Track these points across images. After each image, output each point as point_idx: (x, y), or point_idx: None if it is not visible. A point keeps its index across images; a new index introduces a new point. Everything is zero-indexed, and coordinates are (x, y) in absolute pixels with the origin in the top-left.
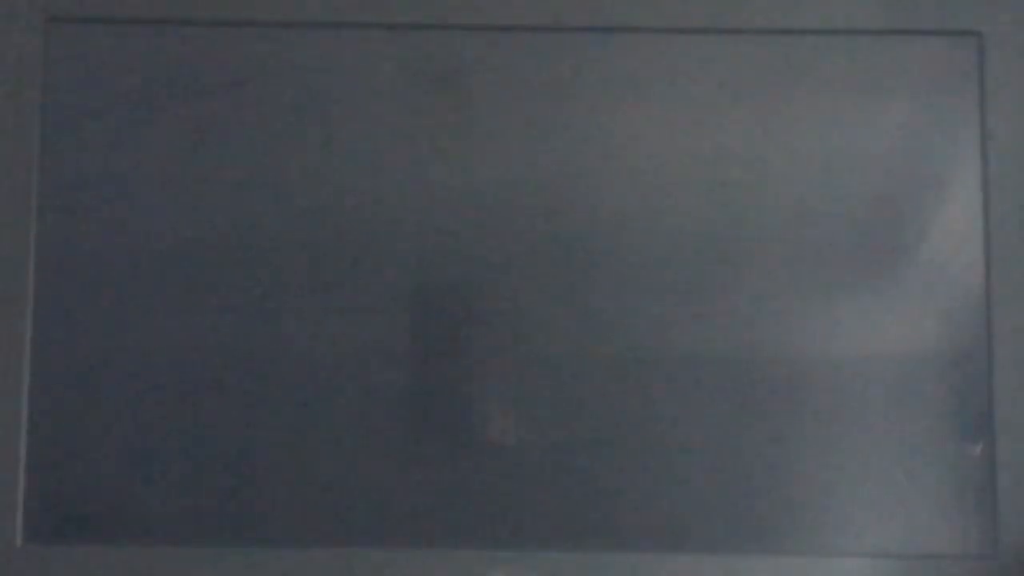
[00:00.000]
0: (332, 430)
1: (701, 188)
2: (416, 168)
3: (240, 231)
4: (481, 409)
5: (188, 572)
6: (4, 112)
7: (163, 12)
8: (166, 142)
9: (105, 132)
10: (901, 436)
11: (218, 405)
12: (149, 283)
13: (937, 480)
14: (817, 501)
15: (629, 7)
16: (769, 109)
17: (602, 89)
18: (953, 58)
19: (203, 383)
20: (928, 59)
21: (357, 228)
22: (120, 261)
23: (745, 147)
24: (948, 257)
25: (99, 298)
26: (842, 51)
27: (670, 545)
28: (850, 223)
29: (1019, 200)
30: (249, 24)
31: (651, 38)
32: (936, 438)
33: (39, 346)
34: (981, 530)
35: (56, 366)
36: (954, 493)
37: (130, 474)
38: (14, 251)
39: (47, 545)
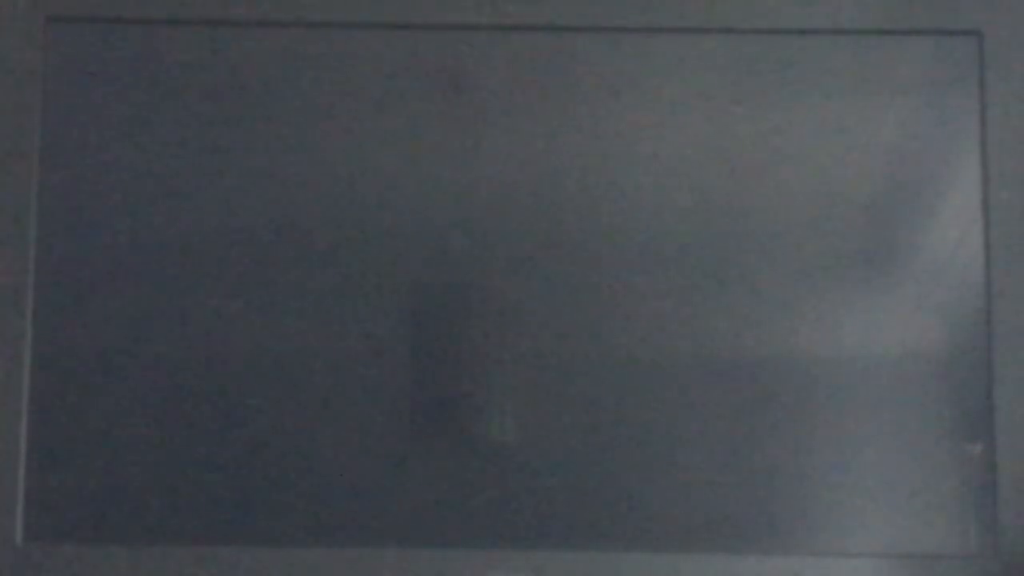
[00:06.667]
0: (332, 430)
1: (701, 187)
2: (417, 167)
3: (240, 231)
4: (481, 408)
5: (188, 572)
6: (4, 112)
7: (163, 12)
8: (166, 142)
9: (105, 132)
10: (901, 436)
11: (218, 404)
12: (149, 282)
13: (937, 480)
14: (817, 501)
15: (629, 7)
16: (769, 109)
17: (602, 89)
18: (953, 58)
19: (203, 382)
20: (928, 59)
21: (358, 227)
22: (120, 261)
23: (745, 147)
24: (948, 257)
25: (99, 298)
26: (842, 51)
27: (670, 545)
28: (850, 223)
29: (1019, 200)
30: (249, 24)
31: (651, 38)
32: (936, 438)
33: (39, 345)
34: (981, 530)
35: (56, 365)
36: (954, 493)
37: (130, 473)
38: (14, 251)
39: (47, 544)
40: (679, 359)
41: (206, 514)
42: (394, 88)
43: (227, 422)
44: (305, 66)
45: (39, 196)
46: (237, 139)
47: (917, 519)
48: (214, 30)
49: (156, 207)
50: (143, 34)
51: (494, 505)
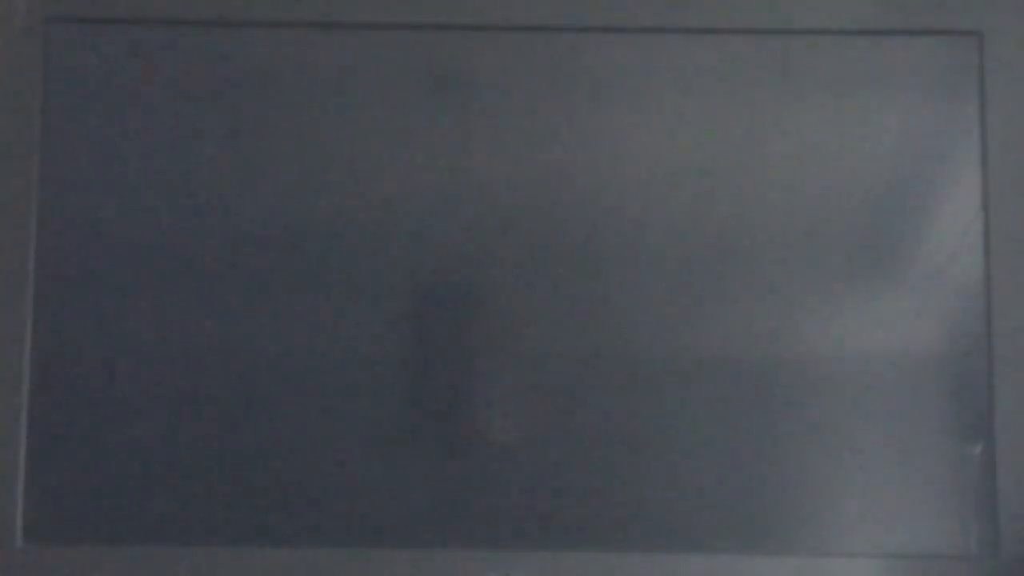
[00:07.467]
0: (332, 430)
1: (701, 188)
2: (416, 168)
3: (239, 231)
4: (481, 409)
5: (188, 572)
6: (4, 112)
7: (163, 12)
8: (165, 142)
9: (105, 132)
10: (901, 436)
11: (218, 405)
12: (149, 283)
13: (937, 480)
14: (817, 501)
15: (629, 7)
16: (769, 109)
17: (602, 89)
18: (953, 58)
19: (203, 383)
20: (928, 59)
21: (357, 228)
22: (120, 261)
23: (745, 147)
24: (948, 257)
25: (99, 298)
26: (843, 51)
27: (670, 545)
28: (850, 222)
29: (1019, 200)
30: (249, 24)
31: (651, 38)
32: (936, 438)
33: (39, 346)
34: (981, 530)
35: (56, 366)
36: (954, 493)
37: (130, 474)
38: (14, 251)
39: (47, 545)
40: (678, 359)
41: (206, 514)
42: (393, 88)
43: (227, 422)
44: (304, 66)
45: (39, 196)
46: (235, 139)
47: (917, 519)
48: (214, 30)
49: (156, 207)
50: (143, 34)
51: (493, 505)
